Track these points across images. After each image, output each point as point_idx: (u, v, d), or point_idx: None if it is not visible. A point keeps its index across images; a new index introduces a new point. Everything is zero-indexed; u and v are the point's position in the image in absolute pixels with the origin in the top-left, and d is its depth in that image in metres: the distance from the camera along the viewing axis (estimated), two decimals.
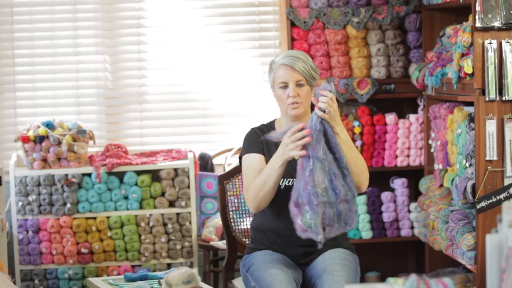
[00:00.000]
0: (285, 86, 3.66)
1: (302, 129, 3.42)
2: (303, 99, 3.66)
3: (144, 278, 3.97)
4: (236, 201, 4.16)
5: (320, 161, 3.34)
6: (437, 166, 4.98)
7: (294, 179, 3.43)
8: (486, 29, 4.28)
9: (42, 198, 5.38)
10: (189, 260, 5.48)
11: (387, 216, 5.56)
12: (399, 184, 5.57)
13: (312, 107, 3.62)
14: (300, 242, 3.67)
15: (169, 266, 5.47)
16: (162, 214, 5.47)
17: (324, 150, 3.37)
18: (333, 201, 3.31)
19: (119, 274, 5.37)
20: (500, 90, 4.28)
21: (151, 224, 5.46)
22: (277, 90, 3.68)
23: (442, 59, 4.86)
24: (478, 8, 4.25)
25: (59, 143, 5.37)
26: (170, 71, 5.76)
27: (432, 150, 5.17)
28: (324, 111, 3.40)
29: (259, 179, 3.56)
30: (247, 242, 4.11)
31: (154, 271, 5.34)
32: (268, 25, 5.81)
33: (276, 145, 3.67)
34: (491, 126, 4.28)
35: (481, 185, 4.31)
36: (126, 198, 5.46)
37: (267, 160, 3.66)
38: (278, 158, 3.49)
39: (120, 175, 5.46)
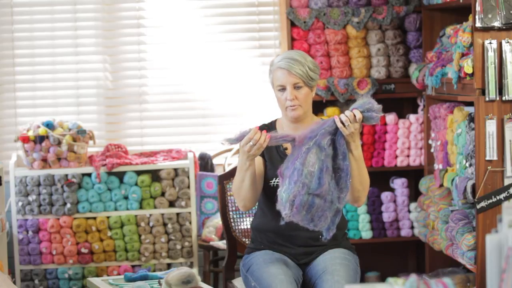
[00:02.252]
0: (283, 88, 3.65)
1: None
2: (302, 101, 3.65)
3: (144, 278, 3.97)
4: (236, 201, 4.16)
5: (319, 147, 3.32)
6: (437, 166, 4.98)
7: None
8: (486, 29, 4.28)
9: (42, 198, 5.38)
10: (189, 260, 5.48)
11: (387, 216, 5.56)
12: (399, 184, 5.57)
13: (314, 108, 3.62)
14: (300, 242, 3.68)
15: (169, 266, 5.47)
16: (162, 214, 5.47)
17: (329, 143, 3.35)
18: (313, 188, 3.28)
19: (119, 274, 5.37)
20: (500, 90, 4.29)
21: (151, 224, 5.46)
22: (276, 92, 3.68)
23: (442, 59, 4.86)
24: (478, 8, 4.25)
25: (59, 143, 5.37)
26: (170, 71, 5.76)
27: (432, 150, 5.17)
28: (343, 124, 3.38)
29: (236, 180, 3.59)
30: (247, 242, 4.11)
31: (154, 271, 5.34)
32: (268, 25, 5.81)
33: (277, 147, 3.67)
34: (491, 126, 4.28)
35: (481, 185, 4.31)
36: (126, 198, 5.46)
37: (265, 162, 3.68)
38: (244, 161, 3.50)
39: (120, 175, 5.46)
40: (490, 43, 4.26)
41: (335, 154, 3.37)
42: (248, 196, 3.58)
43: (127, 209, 5.45)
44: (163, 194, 5.49)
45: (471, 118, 4.45)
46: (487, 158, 4.30)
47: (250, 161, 3.49)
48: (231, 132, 5.71)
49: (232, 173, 4.19)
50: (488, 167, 4.31)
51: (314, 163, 3.29)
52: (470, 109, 4.52)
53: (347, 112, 3.39)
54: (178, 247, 5.46)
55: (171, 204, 5.50)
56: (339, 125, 3.37)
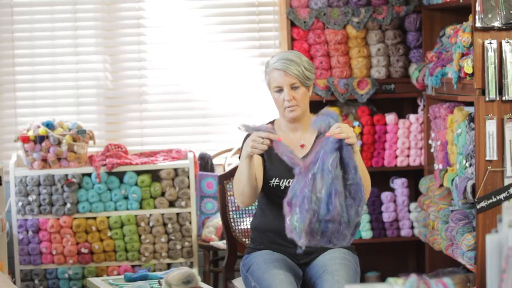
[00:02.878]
0: (280, 90, 3.65)
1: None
2: (299, 101, 3.65)
3: (144, 278, 3.97)
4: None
5: (324, 171, 3.27)
6: (437, 166, 4.98)
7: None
8: (486, 29, 4.28)
9: (42, 198, 5.38)
10: (189, 260, 5.48)
11: (387, 216, 5.56)
12: (399, 184, 5.57)
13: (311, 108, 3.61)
14: None
15: (169, 266, 5.48)
16: (162, 214, 5.47)
17: (335, 164, 3.29)
18: (322, 215, 3.24)
19: (119, 274, 5.37)
20: (500, 90, 4.29)
21: (151, 224, 5.46)
22: (273, 93, 3.68)
23: (442, 59, 4.86)
24: (478, 8, 4.25)
25: (59, 143, 5.37)
26: (170, 71, 5.76)
27: (432, 150, 5.17)
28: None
29: (236, 175, 3.60)
30: (247, 242, 4.11)
31: (154, 271, 5.34)
32: (268, 25, 5.81)
33: None
34: (491, 126, 4.28)
35: (481, 185, 4.31)
36: (126, 198, 5.46)
37: (265, 162, 3.68)
38: (243, 152, 3.52)
39: (120, 175, 5.46)
40: (490, 43, 4.27)
41: (345, 171, 3.31)
42: (248, 194, 3.57)
43: (127, 209, 5.45)
44: (163, 194, 5.49)
45: (471, 118, 4.45)
46: (487, 158, 4.31)
47: (246, 154, 3.49)
48: (231, 132, 5.76)
49: (232, 173, 4.19)
50: (488, 167, 4.31)
51: (321, 188, 3.24)
52: (470, 109, 4.52)
53: (337, 129, 3.32)
54: (178, 247, 5.46)
55: (171, 204, 5.51)
56: (345, 137, 3.31)
